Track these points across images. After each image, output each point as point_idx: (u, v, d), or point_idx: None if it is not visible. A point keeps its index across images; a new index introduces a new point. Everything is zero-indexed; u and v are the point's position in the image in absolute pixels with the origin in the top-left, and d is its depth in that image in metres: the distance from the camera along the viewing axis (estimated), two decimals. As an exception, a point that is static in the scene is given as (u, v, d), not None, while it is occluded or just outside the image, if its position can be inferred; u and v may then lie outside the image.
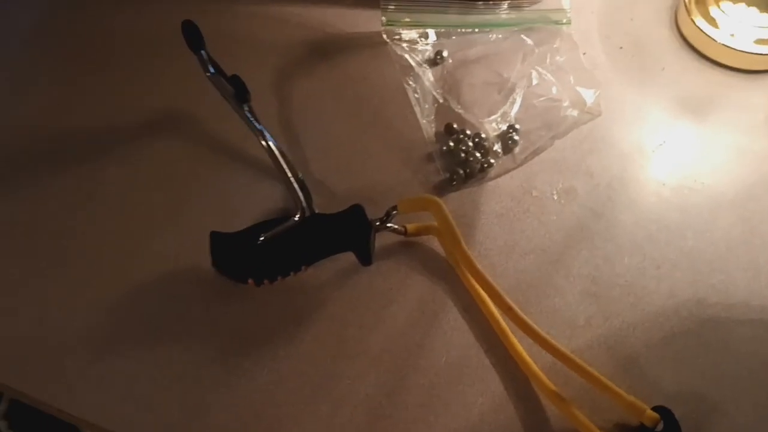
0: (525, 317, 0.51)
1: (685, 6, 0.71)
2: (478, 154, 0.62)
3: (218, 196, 0.61)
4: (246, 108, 0.58)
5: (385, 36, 0.68)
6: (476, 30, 0.69)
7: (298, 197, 0.54)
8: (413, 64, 0.67)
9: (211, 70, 0.55)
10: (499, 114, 0.64)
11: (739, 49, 0.68)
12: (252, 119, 0.56)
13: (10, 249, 0.58)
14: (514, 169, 0.62)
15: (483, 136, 0.63)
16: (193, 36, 0.55)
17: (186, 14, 0.64)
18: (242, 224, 0.55)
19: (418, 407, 0.51)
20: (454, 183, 0.61)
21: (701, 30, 0.69)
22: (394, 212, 0.55)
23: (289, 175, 0.55)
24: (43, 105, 0.67)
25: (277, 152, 0.55)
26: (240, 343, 0.53)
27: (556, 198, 0.61)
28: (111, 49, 0.71)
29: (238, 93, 0.59)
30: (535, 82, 0.66)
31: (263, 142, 0.55)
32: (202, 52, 0.55)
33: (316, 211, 0.56)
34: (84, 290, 0.56)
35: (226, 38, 0.70)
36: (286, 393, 0.51)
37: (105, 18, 0.73)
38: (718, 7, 0.70)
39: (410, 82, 0.66)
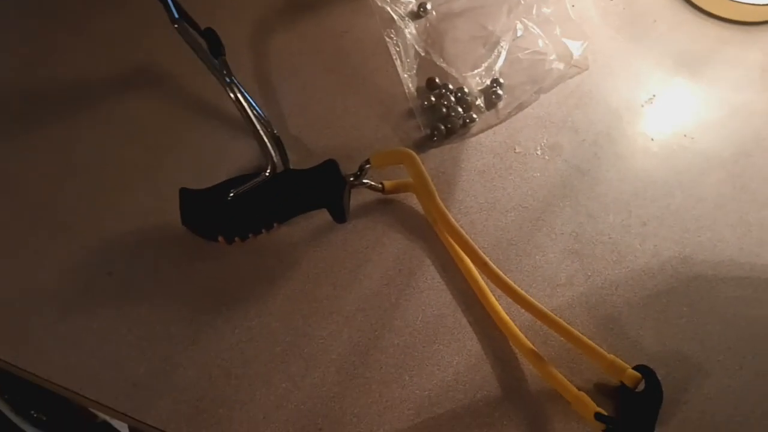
0: (501, 274, 0.49)
1: (680, -44, 0.68)
2: (460, 110, 0.60)
3: (193, 152, 0.59)
4: (220, 61, 0.56)
5: (365, -13, 0.66)
6: (461, -19, 0.67)
7: (269, 152, 0.52)
8: (395, 16, 0.64)
9: (176, 16, 0.52)
10: (482, 68, 0.62)
11: None
12: (223, 71, 0.54)
13: (-22, 206, 0.57)
14: (497, 124, 0.60)
15: (466, 90, 0.61)
16: (158, -18, 0.53)
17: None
18: (217, 180, 0.53)
19: (392, 367, 0.49)
20: (435, 139, 0.59)
21: (695, -20, 0.67)
22: (368, 166, 0.53)
23: (259, 128, 0.53)
24: (14, 61, 0.65)
25: (246, 106, 0.53)
26: (210, 301, 0.52)
27: (539, 154, 0.59)
28: (85, 3, 0.68)
29: (212, 46, 0.56)
30: (520, 34, 0.63)
31: (231, 94, 0.53)
32: (168, -1, 0.53)
33: (291, 168, 0.54)
34: (52, 248, 0.54)
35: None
36: (256, 351, 0.50)
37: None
38: (714, -44, 0.68)
39: (392, 36, 0.64)
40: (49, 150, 0.59)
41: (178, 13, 0.53)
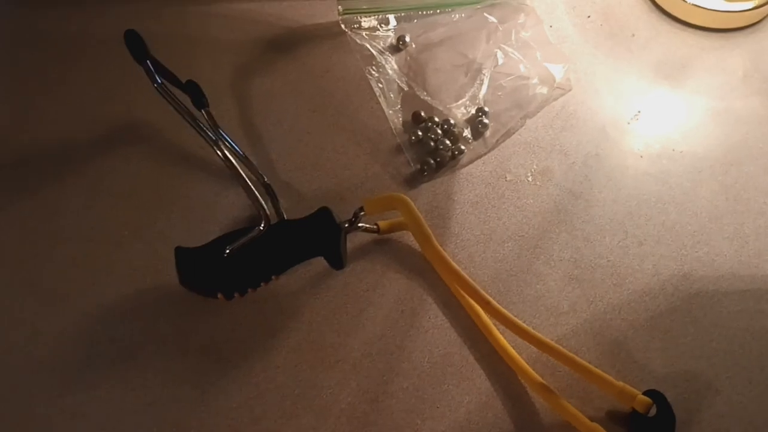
0: (504, 311, 0.49)
1: (652, -32, 0.68)
2: (447, 142, 0.60)
3: (184, 207, 0.59)
4: (204, 113, 0.56)
5: (343, 25, 0.66)
6: (438, 11, 0.67)
7: (261, 205, 0.52)
8: (375, 52, 0.64)
9: (159, 80, 0.52)
10: (467, 98, 0.62)
11: (710, 8, 0.66)
12: (206, 127, 0.54)
13: (-30, 281, 0.56)
14: (485, 153, 0.60)
15: (452, 122, 0.61)
16: (136, 46, 0.53)
17: (139, 20, 0.62)
18: (211, 235, 0.53)
19: (403, 412, 0.49)
20: (426, 174, 0.59)
21: (670, -8, 0.67)
22: (362, 213, 0.52)
23: (249, 182, 0.52)
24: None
25: (233, 160, 0.53)
26: (214, 360, 0.51)
27: (531, 180, 0.59)
28: (64, 59, 0.68)
29: (195, 99, 0.56)
30: (501, 61, 0.64)
31: (218, 152, 0.52)
32: (148, 62, 0.52)
33: (284, 216, 0.54)
34: (50, 317, 0.53)
35: (181, 41, 0.68)
36: (265, 408, 0.49)
37: (58, 27, 0.70)
38: (686, -34, 0.68)
39: (373, 72, 0.64)
40: (37, 216, 0.59)
41: (159, 74, 0.52)
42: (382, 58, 0.64)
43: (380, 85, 0.63)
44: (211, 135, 0.53)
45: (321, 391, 0.50)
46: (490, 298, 0.49)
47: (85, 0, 0.72)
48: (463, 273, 0.50)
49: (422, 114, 0.62)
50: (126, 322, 0.53)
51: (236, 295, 0.52)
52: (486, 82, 0.63)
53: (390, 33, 0.66)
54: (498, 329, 0.51)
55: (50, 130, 0.64)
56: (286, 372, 0.51)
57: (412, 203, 0.51)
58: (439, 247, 0.51)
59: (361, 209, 0.52)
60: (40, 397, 0.50)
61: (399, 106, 0.62)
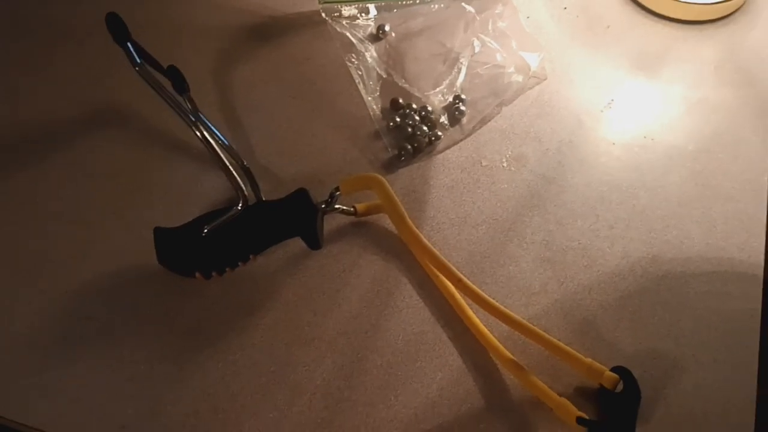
0: (476, 289, 0.50)
1: (628, -39, 0.70)
2: (425, 128, 0.61)
3: (164, 189, 0.59)
4: (185, 98, 0.57)
5: (324, 14, 0.67)
6: (417, 1, 0.68)
7: (240, 186, 0.53)
8: (354, 41, 0.65)
9: (138, 60, 0.53)
10: (444, 85, 0.63)
11: (683, 0, 0.67)
12: (187, 110, 0.55)
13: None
14: (462, 140, 0.61)
15: (429, 109, 0.62)
16: (117, 28, 0.53)
17: (122, 3, 0.63)
18: (190, 217, 0.54)
19: (377, 388, 0.50)
20: (403, 159, 0.60)
21: (644, -16, 0.68)
22: (338, 193, 0.54)
23: (228, 163, 0.53)
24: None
25: (213, 142, 0.54)
26: (192, 337, 0.52)
27: (506, 166, 0.60)
28: (47, 43, 0.69)
29: (176, 84, 0.57)
30: (478, 50, 0.65)
31: (197, 132, 0.53)
32: (128, 44, 0.53)
33: (263, 198, 0.55)
34: (29, 295, 0.54)
35: (163, 27, 0.69)
36: (241, 384, 0.50)
37: (36, 10, 0.71)
38: (661, -41, 0.69)
39: (353, 60, 0.65)
40: (17, 196, 0.59)
41: (139, 56, 0.53)
42: (362, 46, 0.65)
43: (360, 73, 0.64)
44: (191, 118, 0.54)
45: (296, 368, 0.51)
46: (462, 276, 0.50)
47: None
48: (435, 250, 0.51)
49: (400, 101, 0.63)
50: (105, 300, 0.54)
51: (214, 274, 0.53)
52: (463, 70, 0.64)
53: (370, 22, 0.67)
54: (471, 309, 0.52)
55: (33, 112, 0.64)
56: (263, 350, 0.52)
57: (387, 183, 0.52)
58: (413, 225, 0.52)
59: (337, 189, 0.53)
60: (18, 373, 0.51)
61: (378, 93, 0.63)
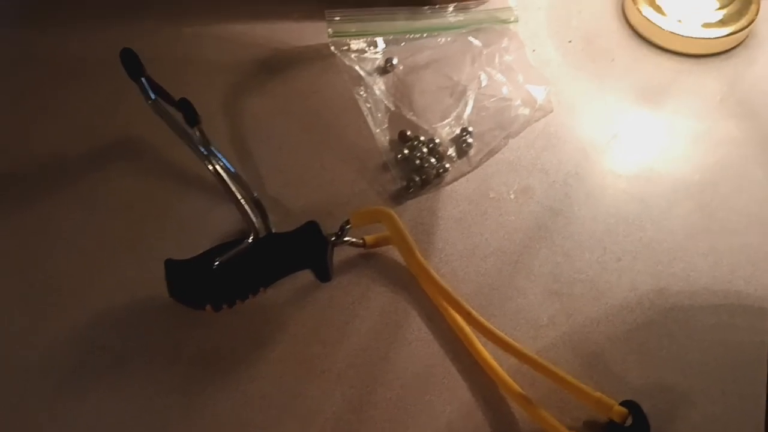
0: (485, 322, 0.51)
1: (631, -4, 0.71)
2: (433, 160, 0.62)
3: (176, 221, 0.60)
4: (196, 131, 0.58)
5: (333, 47, 0.68)
6: (424, 35, 0.69)
7: (250, 219, 0.54)
8: (363, 74, 0.66)
9: (152, 96, 0.54)
10: (451, 118, 0.64)
11: (687, 35, 0.68)
12: (198, 143, 0.56)
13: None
14: (469, 172, 0.62)
15: (437, 141, 0.63)
16: (132, 64, 0.54)
17: (135, 39, 0.64)
18: (201, 249, 0.54)
19: (387, 422, 0.50)
20: (411, 190, 0.61)
21: (648, 19, 0.69)
22: (348, 227, 0.54)
23: (239, 197, 0.54)
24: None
25: (224, 175, 0.54)
26: (202, 369, 0.53)
27: (513, 198, 0.61)
28: (58, 77, 0.70)
29: (188, 117, 0.58)
30: (485, 83, 0.66)
31: (209, 166, 0.54)
32: (143, 79, 0.54)
33: (273, 230, 0.55)
34: (42, 326, 0.55)
35: (175, 61, 0.70)
36: (252, 415, 0.51)
37: (51, 47, 0.72)
38: (664, -6, 0.71)
39: (361, 92, 0.66)
40: (32, 229, 0.60)
41: (153, 91, 0.54)
42: (370, 79, 0.66)
43: (368, 105, 0.65)
44: (203, 151, 0.55)
45: (306, 400, 0.51)
46: (472, 309, 0.51)
47: (82, 21, 0.74)
48: (445, 284, 0.51)
49: (408, 133, 0.63)
50: (117, 331, 0.54)
51: (225, 306, 0.53)
52: (470, 103, 0.65)
53: (378, 55, 0.68)
54: (479, 341, 0.52)
55: (47, 144, 0.65)
56: (272, 381, 0.52)
57: (397, 217, 0.53)
58: (422, 259, 0.52)
59: (348, 222, 0.54)
60: (32, 403, 0.51)
61: (386, 126, 0.64)
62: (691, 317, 0.54)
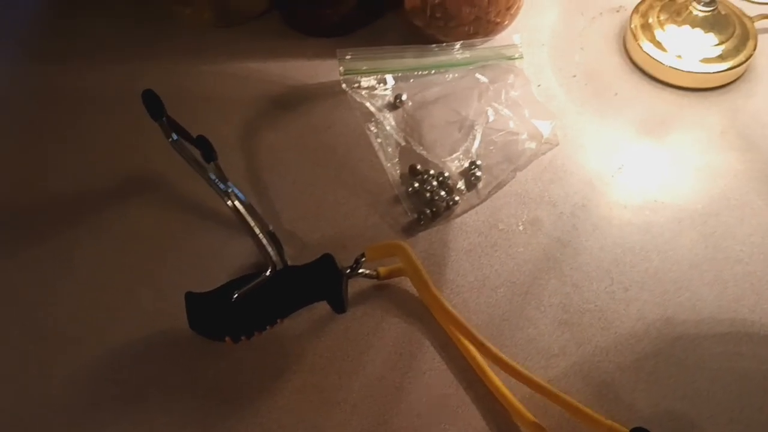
0: (499, 352, 0.52)
1: (632, 32, 0.73)
2: (443, 193, 0.63)
3: (193, 255, 0.62)
4: (213, 166, 0.60)
5: (344, 85, 0.70)
6: (433, 71, 0.71)
7: (268, 253, 0.55)
8: (373, 110, 0.68)
9: (174, 136, 0.56)
10: (460, 152, 0.66)
11: (687, 69, 0.70)
12: (216, 180, 0.57)
13: (-15, 322, 0.59)
14: (478, 204, 0.64)
15: (446, 174, 0.64)
16: (153, 104, 0.56)
17: (153, 75, 0.66)
18: (218, 281, 0.56)
19: (403, 451, 0.51)
20: (422, 223, 0.62)
21: (649, 54, 0.71)
22: (363, 260, 0.56)
23: (257, 231, 0.56)
24: (12, 174, 0.68)
25: (243, 210, 0.56)
26: (221, 401, 0.54)
27: (522, 230, 0.62)
28: (79, 113, 0.72)
29: (205, 153, 0.60)
30: (492, 118, 0.68)
31: (228, 202, 0.56)
32: (163, 119, 0.56)
33: (288, 263, 0.57)
34: (62, 359, 0.56)
35: (192, 98, 0.72)
36: (270, 447, 0.52)
37: (73, 82, 0.74)
38: (664, 30, 0.73)
39: (372, 128, 0.68)
40: (50, 263, 0.61)
41: (174, 130, 0.56)
42: (380, 115, 0.68)
43: (379, 140, 0.67)
44: (221, 186, 0.57)
45: (324, 431, 0.52)
46: (485, 340, 0.52)
47: (99, 58, 0.76)
48: (460, 316, 0.53)
49: (418, 167, 0.65)
50: (135, 364, 0.55)
51: (243, 338, 0.54)
52: (478, 137, 0.67)
53: (388, 92, 0.70)
54: (492, 371, 0.54)
55: (64, 179, 0.67)
56: (290, 412, 0.53)
57: (411, 250, 0.55)
58: (437, 291, 0.54)
59: (363, 255, 0.56)
60: (53, 436, 0.52)
61: (397, 160, 0.66)
62: (698, 346, 0.56)
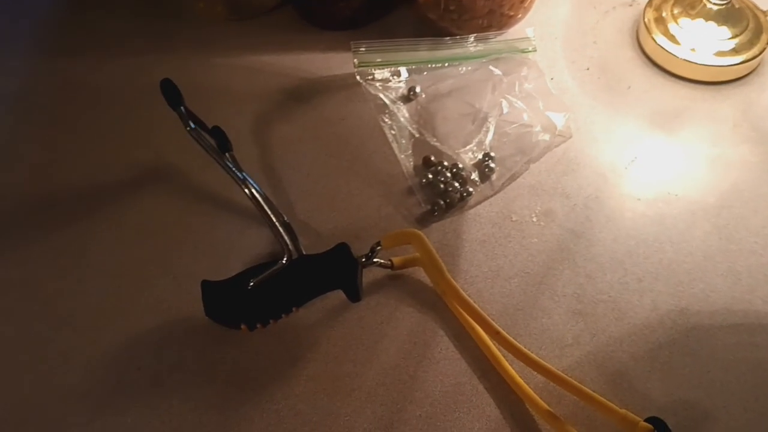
0: (513, 341, 0.52)
1: (645, 25, 0.73)
2: (456, 184, 0.64)
3: (208, 244, 0.62)
4: (228, 157, 0.60)
5: (358, 77, 0.71)
6: (446, 64, 0.71)
7: (284, 241, 0.56)
8: (387, 102, 0.69)
9: (191, 125, 0.56)
10: (474, 143, 0.66)
11: (700, 63, 0.70)
12: (234, 168, 0.58)
13: (4, 312, 0.59)
14: (492, 195, 0.64)
15: (460, 166, 0.65)
16: (171, 94, 0.57)
17: (167, 69, 0.66)
18: (233, 270, 0.56)
19: (417, 438, 0.52)
20: (436, 214, 0.63)
21: (662, 47, 0.72)
22: (379, 248, 0.56)
23: (274, 219, 0.56)
24: (29, 167, 0.68)
25: (260, 198, 0.57)
26: (237, 387, 0.54)
27: (535, 221, 0.62)
28: (94, 106, 0.72)
29: (220, 143, 0.60)
30: (506, 110, 0.68)
31: (246, 190, 0.56)
32: (182, 108, 0.57)
33: (303, 252, 0.57)
34: (80, 347, 0.56)
35: (206, 90, 0.72)
36: (286, 433, 0.52)
37: (87, 76, 0.75)
38: (677, 23, 0.73)
39: (386, 120, 0.68)
40: (67, 253, 0.62)
41: (191, 119, 0.57)
42: (394, 107, 0.68)
43: (393, 132, 0.67)
44: (239, 176, 0.57)
45: (338, 418, 0.53)
46: (500, 328, 0.52)
47: (113, 51, 0.77)
48: (474, 304, 0.53)
49: (432, 158, 0.66)
50: (153, 351, 0.56)
51: (259, 326, 0.55)
52: (492, 129, 0.67)
53: (402, 84, 0.71)
54: (506, 360, 0.54)
55: (81, 170, 0.68)
56: (305, 400, 0.54)
57: (426, 238, 0.55)
58: (452, 279, 0.54)
59: (378, 244, 0.56)
60: (71, 423, 0.53)
61: (410, 152, 0.66)
62: (712, 336, 0.56)
